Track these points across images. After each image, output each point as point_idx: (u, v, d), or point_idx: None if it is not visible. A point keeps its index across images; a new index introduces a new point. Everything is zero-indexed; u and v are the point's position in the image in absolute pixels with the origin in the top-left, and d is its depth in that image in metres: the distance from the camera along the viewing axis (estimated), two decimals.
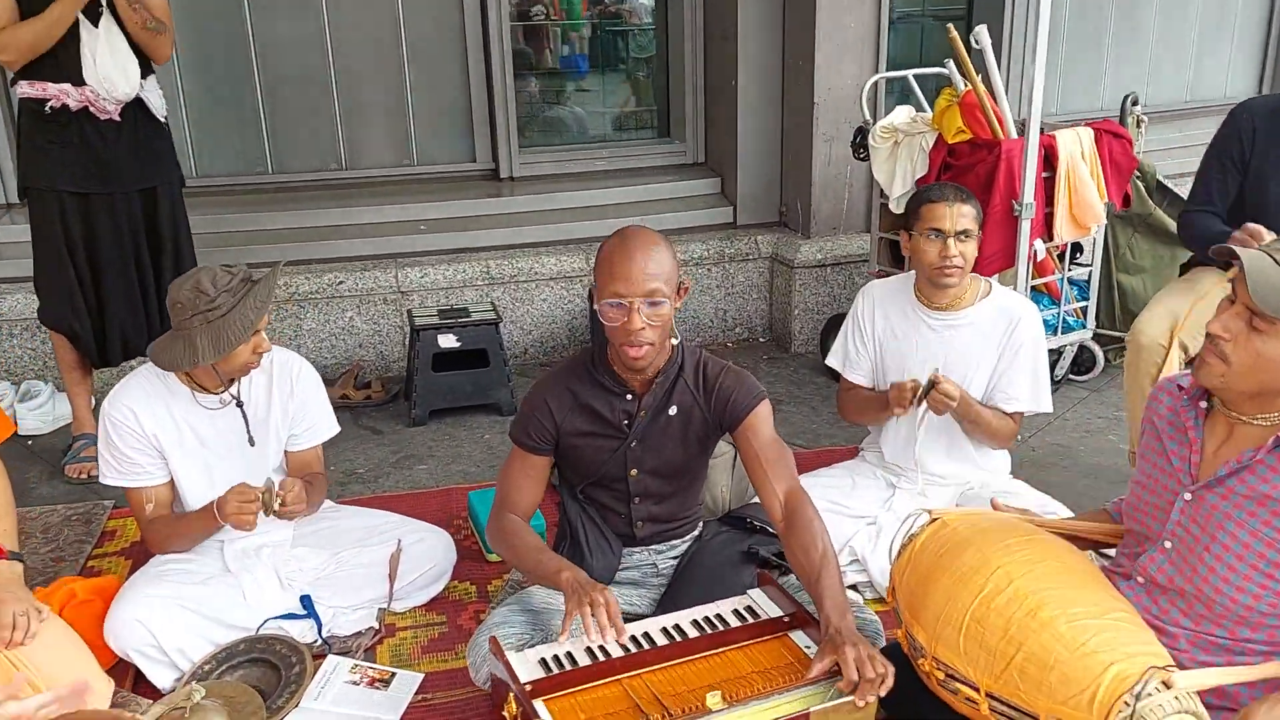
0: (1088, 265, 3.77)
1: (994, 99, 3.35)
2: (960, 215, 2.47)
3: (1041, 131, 3.41)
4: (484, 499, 2.87)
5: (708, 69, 4.63)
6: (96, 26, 3.04)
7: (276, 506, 2.28)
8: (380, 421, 3.71)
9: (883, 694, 1.78)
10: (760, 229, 4.48)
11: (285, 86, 4.31)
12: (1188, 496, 1.73)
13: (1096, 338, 3.85)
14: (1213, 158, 2.74)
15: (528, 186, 4.55)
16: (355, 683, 2.24)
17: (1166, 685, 1.54)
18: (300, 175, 4.42)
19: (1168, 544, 1.75)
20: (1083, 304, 3.78)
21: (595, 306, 2.07)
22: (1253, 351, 1.60)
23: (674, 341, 2.16)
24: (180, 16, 3.29)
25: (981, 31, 3.21)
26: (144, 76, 3.15)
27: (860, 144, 3.73)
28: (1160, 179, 4.04)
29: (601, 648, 1.91)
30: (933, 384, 2.46)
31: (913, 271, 2.69)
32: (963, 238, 2.48)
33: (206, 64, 4.20)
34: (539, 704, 1.76)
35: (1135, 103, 3.80)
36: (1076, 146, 3.43)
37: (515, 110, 4.54)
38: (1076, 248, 3.76)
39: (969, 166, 3.36)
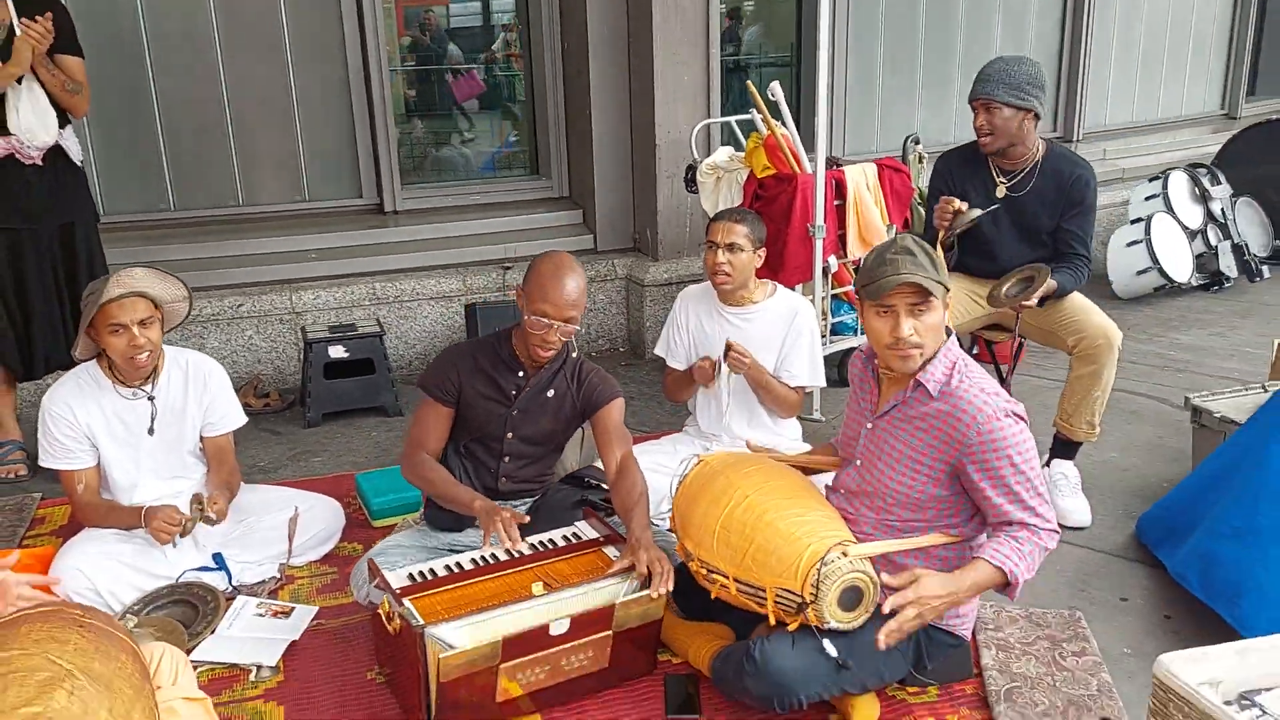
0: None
1: (790, 141, 4.06)
2: (731, 232, 3.14)
3: (837, 167, 4.16)
4: (369, 479, 3.43)
5: (569, 115, 5.28)
6: (20, 85, 3.52)
7: (209, 515, 2.82)
8: (278, 425, 4.21)
9: (668, 588, 2.39)
10: (617, 254, 5.14)
11: (185, 134, 4.79)
12: (869, 426, 2.40)
13: None
14: (933, 200, 3.47)
15: (409, 219, 5.11)
16: (261, 615, 2.77)
17: (845, 554, 2.20)
18: (201, 211, 4.90)
19: (858, 461, 2.43)
20: None
21: (523, 313, 2.68)
22: (929, 330, 2.26)
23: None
24: (92, 75, 3.77)
25: (775, 86, 3.94)
26: (62, 127, 3.63)
27: (690, 179, 4.42)
28: None
29: (459, 565, 2.49)
30: (728, 348, 3.12)
31: None
32: (731, 249, 3.14)
33: (115, 115, 4.66)
34: (406, 601, 2.32)
35: (917, 141, 4.59)
36: (862, 179, 4.18)
37: (396, 152, 5.12)
38: None
39: (774, 196, 4.06)
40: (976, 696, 2.42)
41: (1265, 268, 5.80)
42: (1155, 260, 5.39)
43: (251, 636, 2.68)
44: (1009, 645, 2.57)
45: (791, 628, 2.23)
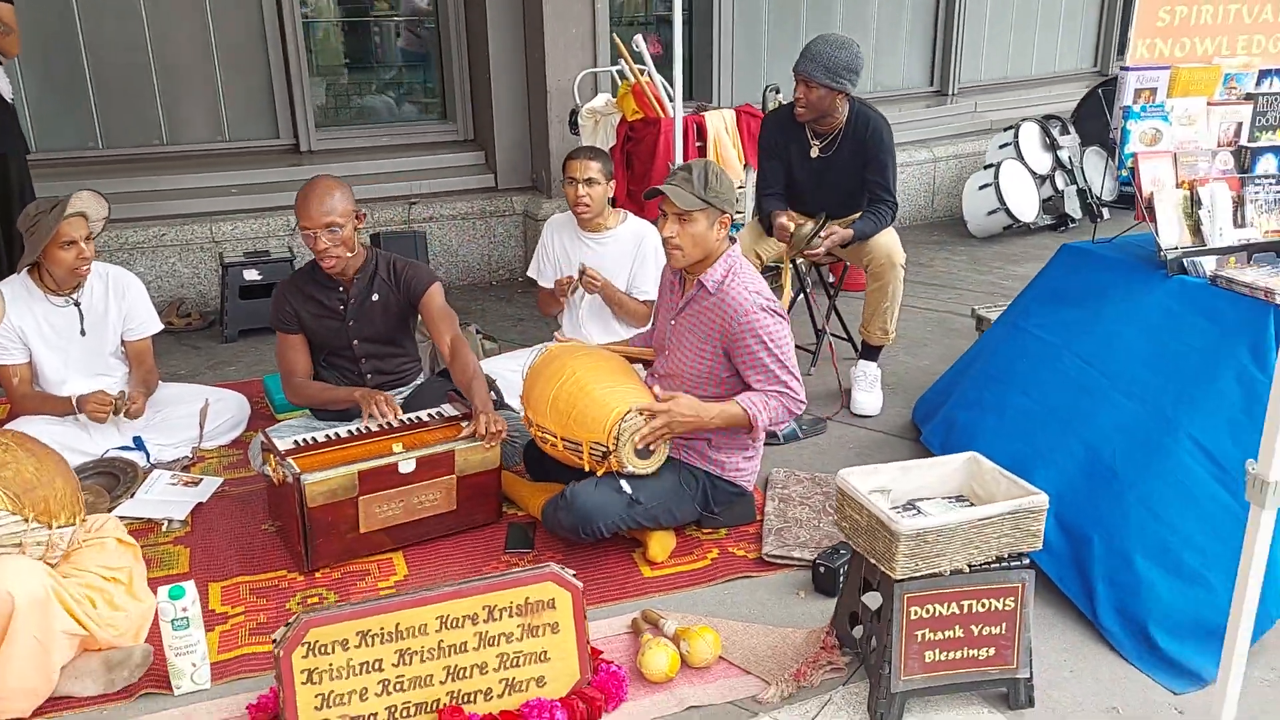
0: (743, 212, 5.07)
1: (655, 88, 4.57)
2: (587, 169, 3.65)
3: (700, 112, 4.68)
4: (275, 380, 3.92)
5: (472, 64, 5.74)
6: None
7: (125, 412, 3.31)
8: (199, 341, 4.69)
9: (498, 438, 2.93)
10: (515, 192, 5.63)
11: (112, 75, 5.19)
12: (673, 322, 2.96)
13: None
14: (762, 156, 4.00)
15: (323, 158, 5.56)
16: (173, 484, 3.28)
17: (640, 413, 2.76)
18: (127, 149, 5.31)
19: (665, 350, 2.99)
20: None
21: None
22: (688, 237, 2.81)
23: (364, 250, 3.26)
24: (23, 18, 4.16)
25: (639, 39, 4.44)
26: None
27: (573, 123, 4.92)
28: None
29: (336, 434, 3.02)
30: (582, 272, 3.65)
31: None
32: (588, 184, 3.66)
33: (44, 57, 5.04)
34: (289, 459, 2.84)
35: (777, 91, 5.12)
36: (721, 123, 4.71)
37: (310, 95, 5.54)
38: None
39: (642, 138, 4.59)
40: (756, 535, 3.01)
41: (1106, 210, 6.44)
42: (1002, 201, 6.00)
43: (164, 499, 3.19)
44: (790, 498, 3.17)
45: (600, 473, 2.79)
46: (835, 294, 4.26)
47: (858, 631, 2.41)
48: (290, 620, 2.13)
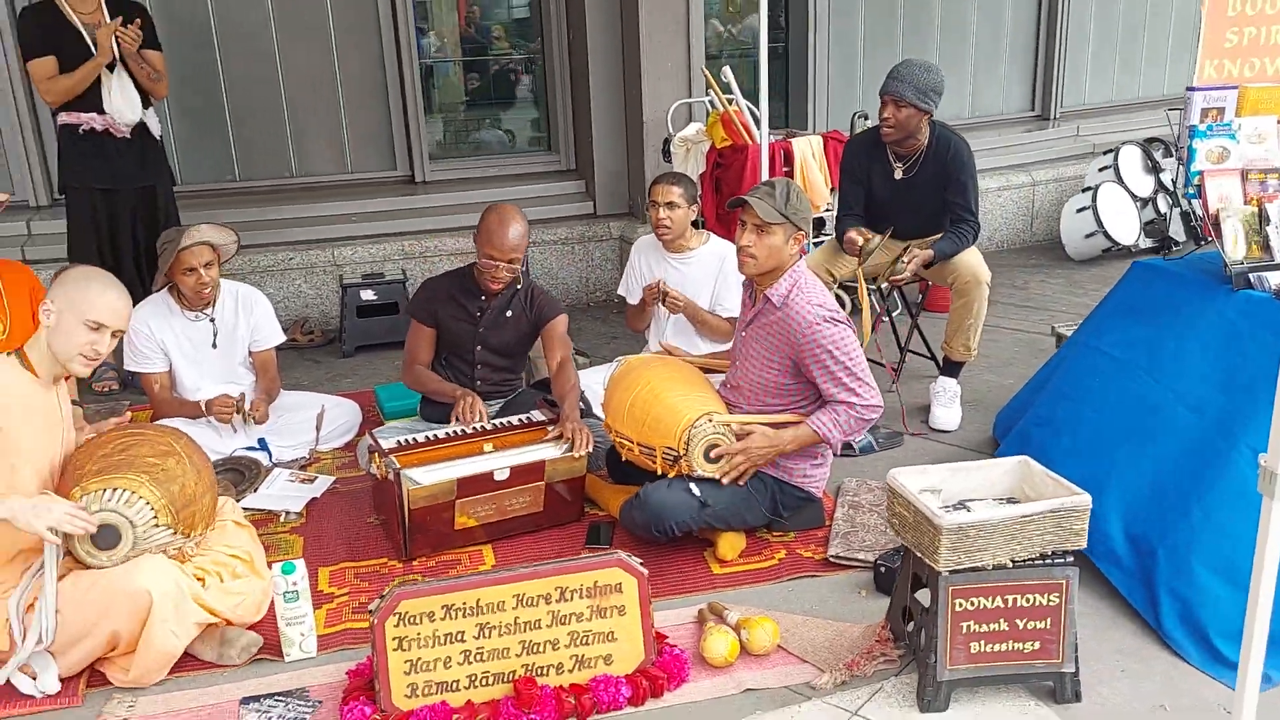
0: (829, 234, 5.21)
1: (742, 116, 4.77)
2: (669, 193, 3.87)
3: (788, 139, 4.86)
4: (385, 389, 4.25)
5: (574, 99, 6.05)
6: (112, 73, 4.40)
7: (249, 414, 3.68)
8: (320, 356, 5.08)
9: (587, 450, 3.16)
10: (613, 218, 5.90)
11: (248, 114, 5.69)
12: (743, 334, 3.14)
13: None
14: (844, 179, 4.15)
15: (437, 189, 5.94)
16: (292, 481, 3.61)
17: (710, 420, 2.94)
18: (260, 181, 5.79)
19: (736, 361, 3.17)
20: None
21: (478, 255, 3.46)
22: (764, 247, 2.99)
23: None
24: (170, 63, 4.63)
25: (726, 70, 4.66)
26: (146, 107, 4.50)
27: (666, 151, 5.16)
28: None
29: (434, 435, 3.29)
30: (663, 295, 3.86)
31: None
32: (669, 207, 3.87)
33: (189, 98, 5.56)
34: (391, 457, 3.12)
35: (865, 117, 5.25)
36: (808, 148, 4.87)
37: (425, 130, 5.95)
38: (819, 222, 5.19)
39: (730, 164, 4.79)
40: (824, 538, 3.14)
41: None
42: (1100, 224, 5.97)
43: (283, 494, 3.52)
44: (859, 505, 3.29)
45: (671, 475, 2.98)
46: (918, 313, 4.36)
47: (911, 627, 2.53)
48: (384, 593, 2.38)
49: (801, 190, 3.07)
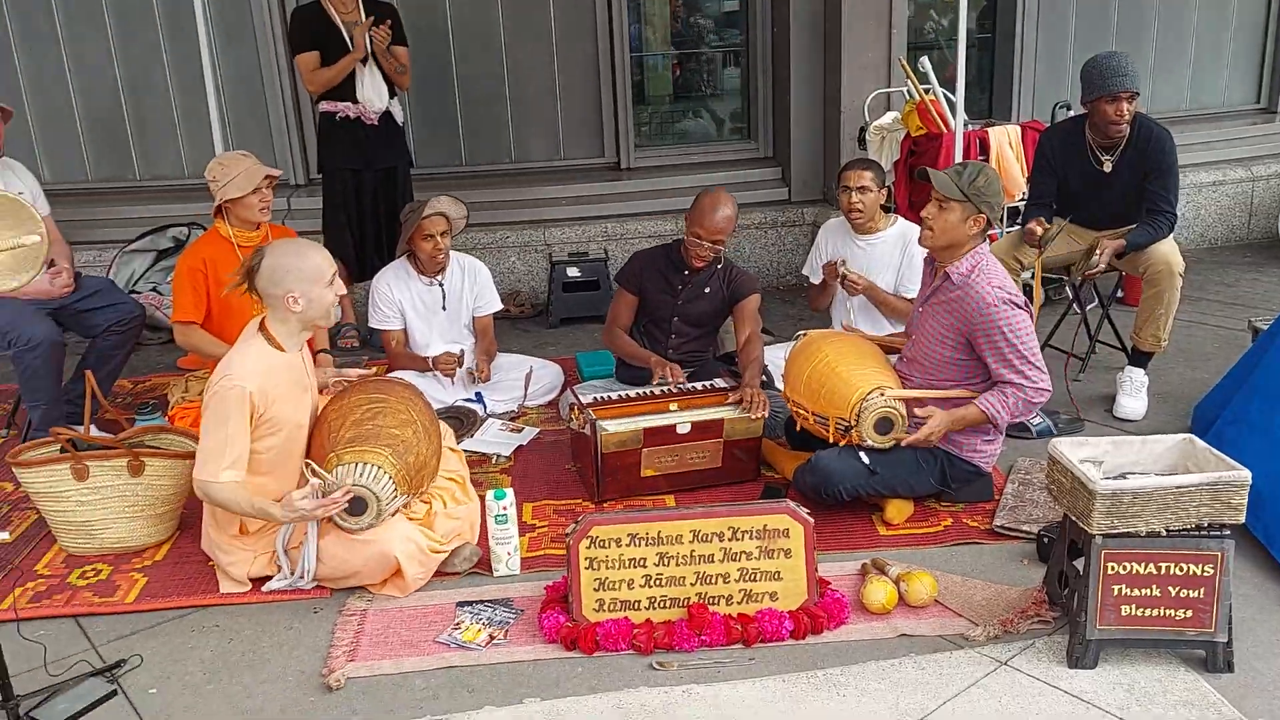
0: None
1: (939, 105, 4.87)
2: (860, 178, 4.04)
3: (986, 127, 4.92)
4: (585, 356, 4.65)
5: (775, 90, 6.28)
6: (365, 66, 4.99)
7: (476, 374, 4.16)
8: (530, 327, 5.55)
9: (764, 413, 3.41)
10: (807, 204, 6.10)
11: (475, 104, 6.25)
12: (920, 310, 3.30)
13: None
14: (1037, 169, 4.19)
15: (641, 175, 6.32)
16: (503, 430, 4.05)
17: (882, 394, 3.13)
18: (483, 166, 6.35)
19: (912, 335, 3.33)
20: None
21: (686, 232, 3.81)
22: (941, 221, 3.14)
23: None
24: (413, 58, 5.21)
25: (924, 60, 4.76)
26: (391, 97, 5.09)
27: (861, 139, 5.31)
28: None
29: (626, 394, 3.63)
30: (844, 278, 4.05)
31: None
32: (860, 191, 4.04)
33: (425, 90, 6.17)
34: (589, 409, 3.48)
35: (1067, 108, 5.21)
36: (1005, 138, 4.91)
37: (632, 119, 6.33)
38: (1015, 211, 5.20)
39: (924, 151, 4.89)
40: (991, 511, 3.26)
41: None
42: None
43: (495, 441, 3.96)
44: (1030, 483, 3.38)
45: (842, 444, 3.20)
46: (1110, 304, 4.34)
47: (1066, 592, 2.65)
48: (579, 518, 2.73)
49: (996, 176, 3.17)
